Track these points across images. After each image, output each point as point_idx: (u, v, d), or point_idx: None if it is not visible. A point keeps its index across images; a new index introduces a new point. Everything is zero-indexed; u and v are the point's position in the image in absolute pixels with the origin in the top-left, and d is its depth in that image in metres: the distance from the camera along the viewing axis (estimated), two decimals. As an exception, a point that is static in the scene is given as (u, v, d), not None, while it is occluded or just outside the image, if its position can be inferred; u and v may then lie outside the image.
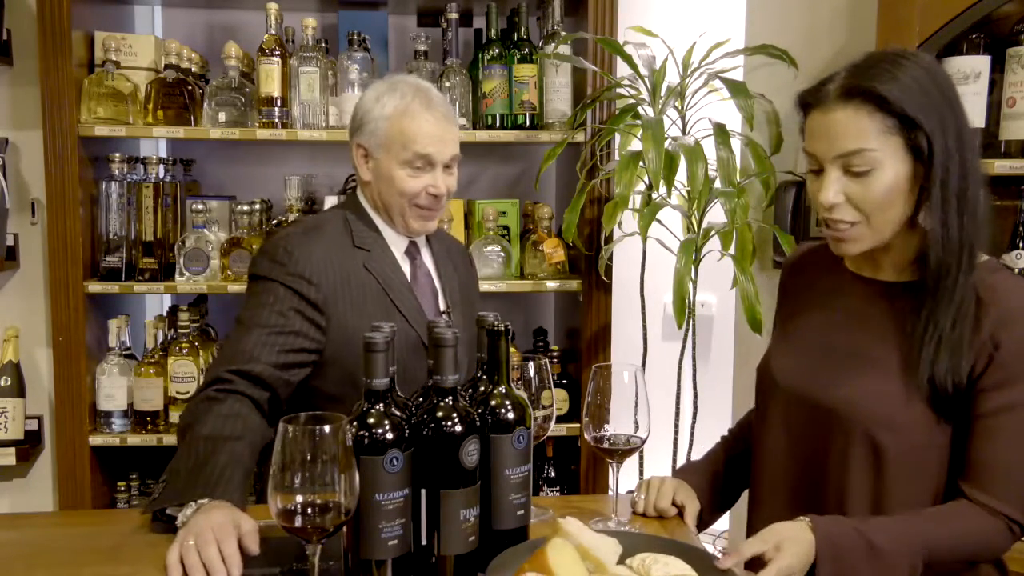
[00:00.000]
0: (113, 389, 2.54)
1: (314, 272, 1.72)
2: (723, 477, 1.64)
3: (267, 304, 1.70)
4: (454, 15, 2.59)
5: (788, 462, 1.48)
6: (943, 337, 1.32)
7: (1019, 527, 1.34)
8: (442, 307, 1.88)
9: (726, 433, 1.76)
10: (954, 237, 1.32)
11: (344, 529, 1.19)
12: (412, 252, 1.87)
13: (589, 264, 2.60)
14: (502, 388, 1.33)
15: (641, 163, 2.29)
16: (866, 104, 1.30)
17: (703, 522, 1.58)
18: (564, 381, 2.71)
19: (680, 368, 2.57)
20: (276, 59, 2.48)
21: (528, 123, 2.60)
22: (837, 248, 1.41)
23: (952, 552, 1.33)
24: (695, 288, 2.47)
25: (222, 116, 2.52)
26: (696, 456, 2.55)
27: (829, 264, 1.53)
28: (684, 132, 2.52)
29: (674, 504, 1.55)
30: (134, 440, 2.53)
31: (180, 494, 1.43)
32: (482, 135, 2.59)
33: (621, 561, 1.26)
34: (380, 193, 1.81)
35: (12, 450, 2.54)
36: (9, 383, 2.57)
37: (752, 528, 1.58)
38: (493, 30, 2.66)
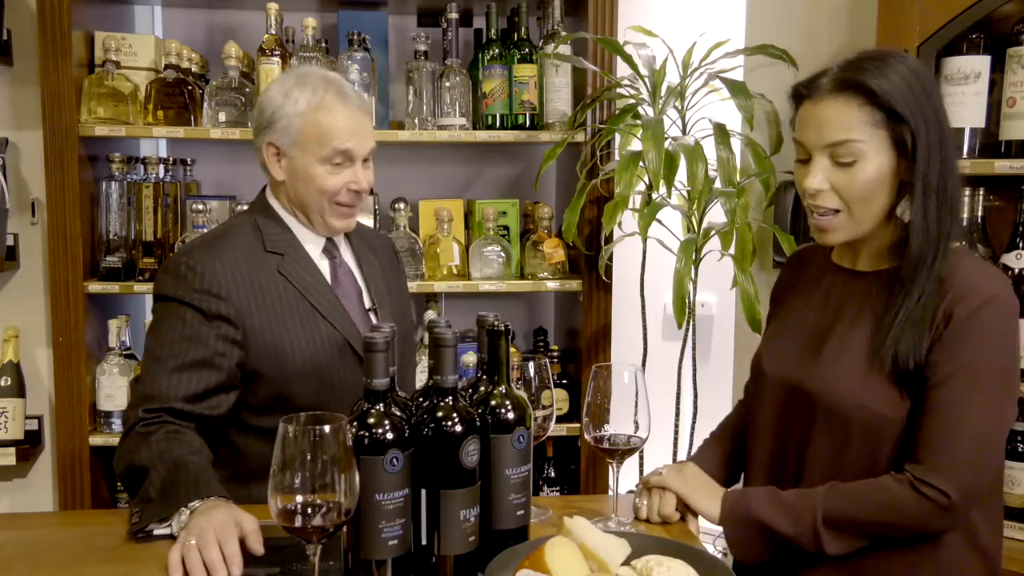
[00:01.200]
0: (113, 389, 2.54)
1: (222, 285, 1.64)
2: (733, 454, 1.70)
3: (175, 329, 1.62)
4: (454, 15, 2.59)
5: (773, 445, 1.56)
6: (909, 317, 1.39)
7: (946, 497, 1.33)
8: (367, 304, 1.82)
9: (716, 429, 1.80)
10: (933, 229, 1.39)
11: (344, 529, 1.19)
12: (330, 250, 1.80)
13: (589, 264, 2.60)
14: (502, 388, 1.33)
15: (641, 163, 2.29)
16: (856, 96, 1.37)
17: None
18: (564, 381, 2.71)
19: (680, 368, 2.57)
20: (276, 59, 2.48)
21: (528, 123, 2.60)
22: (820, 238, 1.48)
23: (853, 503, 1.38)
24: (695, 288, 2.47)
25: (222, 116, 2.52)
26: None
27: (816, 258, 1.62)
28: (684, 132, 2.52)
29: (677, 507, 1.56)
30: (134, 440, 2.53)
31: (161, 511, 1.41)
32: (482, 135, 2.59)
33: (626, 562, 1.25)
34: (297, 192, 1.73)
35: (12, 450, 2.53)
36: (9, 383, 2.57)
37: None
38: (493, 30, 2.66)
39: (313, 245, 1.78)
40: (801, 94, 1.44)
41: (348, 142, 1.69)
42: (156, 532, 1.41)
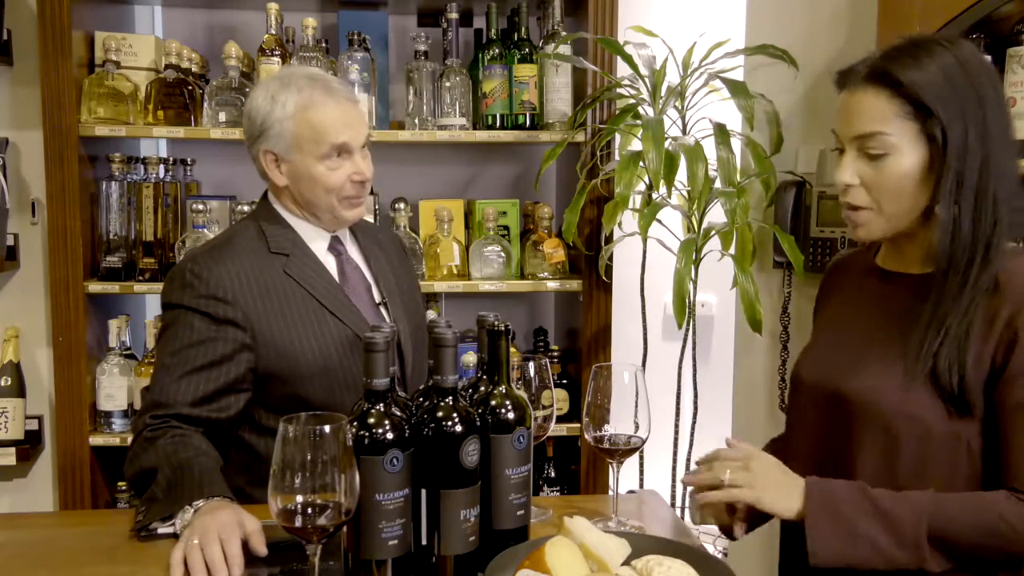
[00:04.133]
0: (113, 389, 2.54)
1: (228, 289, 1.64)
2: None
3: (183, 336, 1.62)
4: (454, 15, 2.59)
5: (815, 457, 1.46)
6: (948, 331, 1.29)
7: None
8: (377, 299, 1.81)
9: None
10: (965, 232, 1.30)
11: (344, 529, 1.19)
12: (336, 247, 1.79)
13: (589, 264, 2.60)
14: (502, 388, 1.33)
15: (641, 163, 2.29)
16: (886, 88, 1.31)
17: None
18: (564, 381, 2.71)
19: (680, 368, 2.57)
20: (276, 59, 2.48)
21: (528, 123, 2.60)
22: (853, 233, 1.41)
23: (963, 522, 1.26)
24: (695, 288, 2.47)
25: (222, 116, 2.52)
26: (696, 457, 2.56)
27: (862, 262, 1.53)
28: (684, 132, 2.52)
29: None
30: (134, 440, 2.53)
31: (166, 509, 1.42)
32: (482, 135, 2.59)
33: (626, 562, 1.25)
34: (303, 195, 1.72)
35: (12, 450, 2.53)
36: (9, 383, 2.57)
37: (784, 526, 1.53)
38: (493, 30, 2.66)
39: (319, 243, 1.77)
40: (841, 82, 1.38)
41: (343, 135, 1.67)
42: (159, 531, 1.41)
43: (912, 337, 1.33)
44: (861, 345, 1.42)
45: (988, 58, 1.35)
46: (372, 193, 2.74)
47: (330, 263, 1.78)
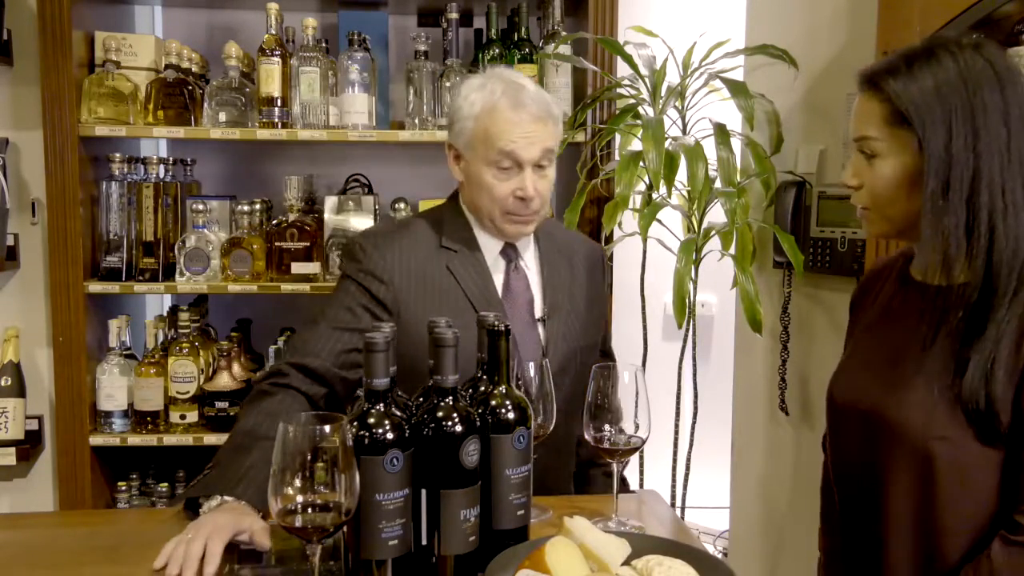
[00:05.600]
0: (113, 389, 2.54)
1: (386, 270, 1.71)
2: None
3: (338, 300, 1.72)
4: (454, 15, 2.59)
5: (845, 478, 1.45)
6: (972, 352, 1.26)
7: None
8: (538, 314, 1.78)
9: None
10: (957, 244, 1.27)
11: (344, 529, 1.19)
12: (509, 254, 1.78)
13: (589, 264, 2.60)
14: (502, 388, 1.33)
15: (641, 163, 2.29)
16: (876, 93, 1.32)
17: None
18: (564, 381, 2.71)
19: (680, 368, 2.57)
20: (276, 59, 2.48)
21: (528, 123, 2.60)
22: (864, 228, 1.43)
23: None
24: (695, 288, 2.47)
25: (222, 116, 2.52)
26: (696, 457, 2.57)
27: (894, 274, 1.48)
28: (684, 132, 2.52)
29: None
30: (134, 440, 2.53)
31: (207, 487, 1.48)
32: (482, 135, 2.58)
33: (626, 562, 1.25)
34: (471, 195, 1.75)
35: (12, 450, 2.53)
36: (9, 383, 2.57)
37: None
38: (493, 30, 2.66)
39: (492, 246, 1.78)
40: (858, 84, 1.38)
41: (512, 144, 1.66)
42: (203, 505, 1.45)
43: (938, 354, 1.29)
44: (892, 361, 1.37)
45: (1012, 65, 1.30)
46: (373, 193, 2.74)
47: (499, 267, 1.77)
